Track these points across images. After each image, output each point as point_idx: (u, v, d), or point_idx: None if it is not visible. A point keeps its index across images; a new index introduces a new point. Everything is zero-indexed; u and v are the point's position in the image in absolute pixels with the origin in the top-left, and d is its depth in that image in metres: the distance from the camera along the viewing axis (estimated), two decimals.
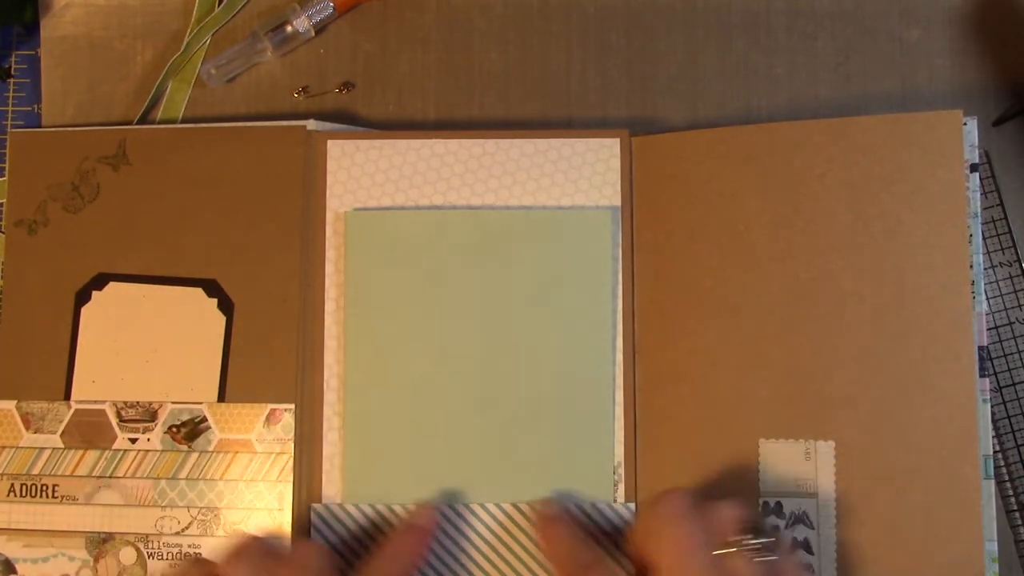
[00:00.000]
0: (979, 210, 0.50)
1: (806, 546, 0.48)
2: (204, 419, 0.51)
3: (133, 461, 0.51)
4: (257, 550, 0.44)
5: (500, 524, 0.50)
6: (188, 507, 0.51)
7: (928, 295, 0.48)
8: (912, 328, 0.48)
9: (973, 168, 0.50)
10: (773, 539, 0.43)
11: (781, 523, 0.48)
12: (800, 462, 0.49)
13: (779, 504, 0.49)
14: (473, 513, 0.50)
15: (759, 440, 0.49)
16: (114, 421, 0.51)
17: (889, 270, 0.49)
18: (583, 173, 0.52)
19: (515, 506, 0.50)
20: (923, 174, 0.49)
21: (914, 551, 0.47)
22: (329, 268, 0.51)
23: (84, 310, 0.52)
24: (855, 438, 0.48)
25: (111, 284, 0.52)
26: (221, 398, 0.51)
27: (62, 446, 0.51)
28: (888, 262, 0.49)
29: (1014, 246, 0.53)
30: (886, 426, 0.48)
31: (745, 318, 0.49)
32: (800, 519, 0.48)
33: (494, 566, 0.50)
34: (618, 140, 0.52)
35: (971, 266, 0.49)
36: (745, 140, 0.50)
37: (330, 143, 0.52)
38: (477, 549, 0.50)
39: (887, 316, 0.48)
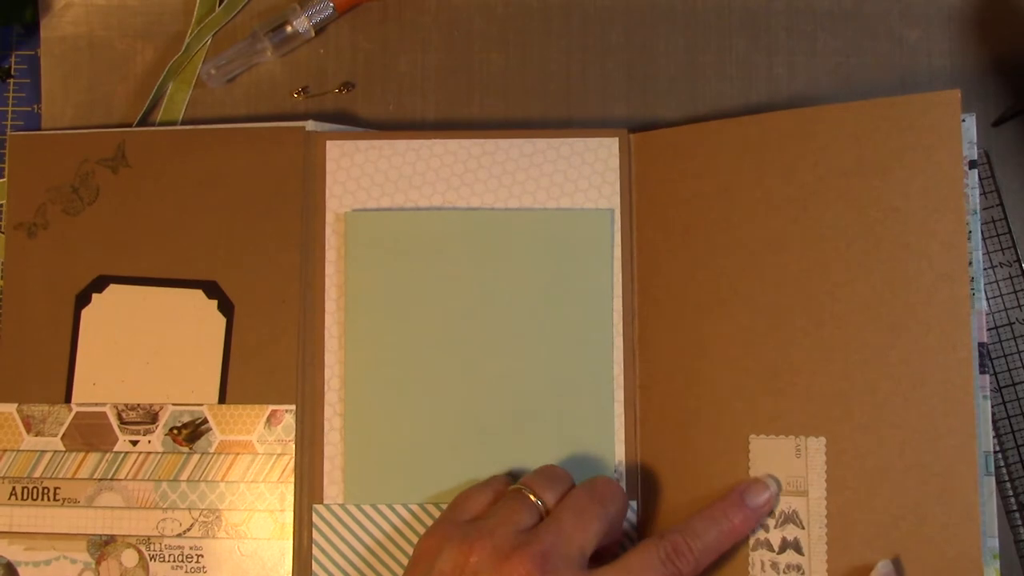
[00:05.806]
0: (978, 208, 0.50)
1: (796, 546, 0.47)
2: (205, 421, 0.51)
3: (134, 463, 0.51)
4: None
5: None
6: (190, 509, 0.51)
7: (923, 284, 0.46)
8: (906, 319, 0.46)
9: (972, 165, 0.50)
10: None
11: (771, 522, 0.48)
12: (791, 459, 0.48)
13: None
14: None
15: (749, 436, 0.48)
16: (115, 423, 0.51)
17: (883, 259, 0.47)
18: (583, 173, 0.52)
19: None
20: (919, 158, 0.46)
21: (908, 550, 0.46)
22: (329, 269, 0.51)
23: (84, 312, 0.52)
24: (847, 434, 0.47)
25: (111, 286, 0.52)
26: (222, 399, 0.51)
27: (63, 449, 0.51)
28: (882, 251, 0.47)
29: (1014, 246, 0.53)
30: (879, 421, 0.47)
31: (736, 312, 0.49)
32: (790, 519, 0.47)
33: None
34: (616, 140, 0.52)
35: (971, 263, 0.49)
36: (739, 132, 0.50)
37: (329, 144, 0.52)
38: None
39: (880, 307, 0.47)
